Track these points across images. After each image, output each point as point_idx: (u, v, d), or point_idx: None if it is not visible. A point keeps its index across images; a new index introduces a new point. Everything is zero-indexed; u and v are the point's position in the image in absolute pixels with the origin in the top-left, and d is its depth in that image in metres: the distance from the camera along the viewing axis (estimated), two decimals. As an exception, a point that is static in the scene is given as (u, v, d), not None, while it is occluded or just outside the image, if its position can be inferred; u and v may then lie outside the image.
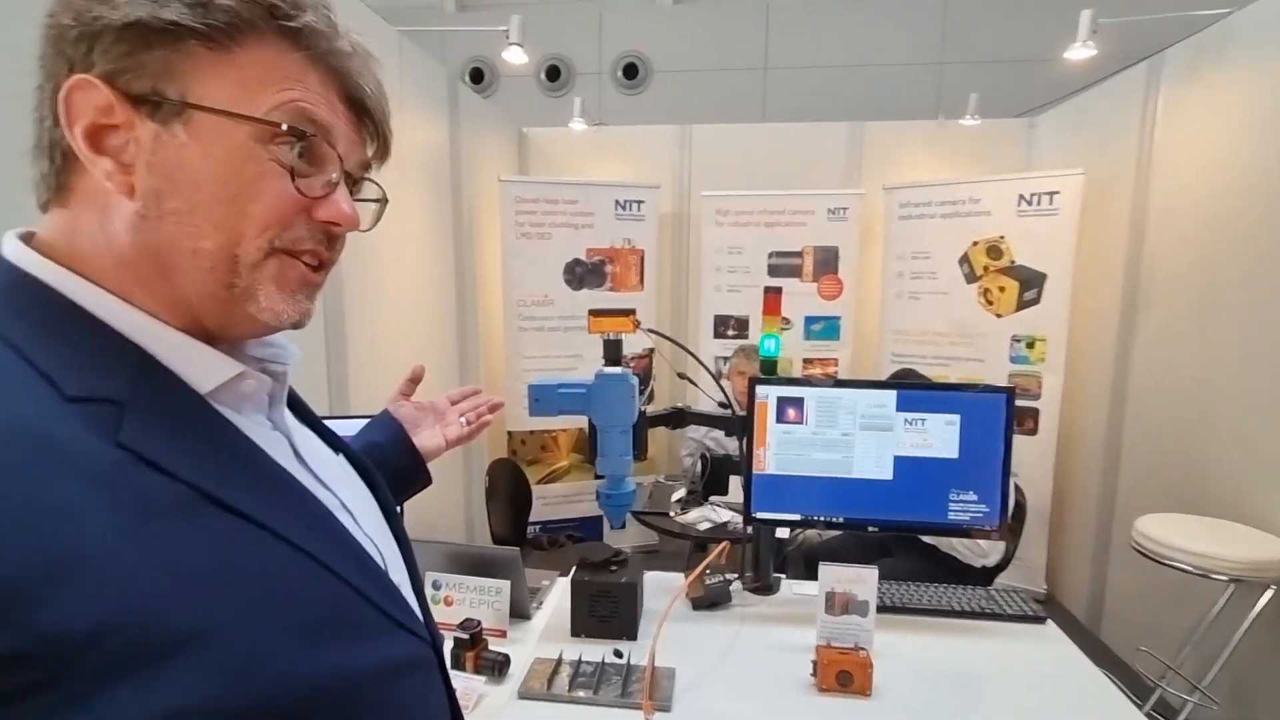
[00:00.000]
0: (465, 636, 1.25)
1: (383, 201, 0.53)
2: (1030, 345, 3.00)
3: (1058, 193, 2.86)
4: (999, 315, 3.05)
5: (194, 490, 0.38)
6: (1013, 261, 3.00)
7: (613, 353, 1.24)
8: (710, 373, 1.42)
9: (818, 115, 3.76)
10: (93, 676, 0.32)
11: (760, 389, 1.32)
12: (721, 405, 1.42)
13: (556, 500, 3.40)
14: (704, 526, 2.26)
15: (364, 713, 0.43)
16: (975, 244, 3.07)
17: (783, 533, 2.31)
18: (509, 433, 3.34)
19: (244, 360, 0.46)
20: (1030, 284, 2.97)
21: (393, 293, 2.38)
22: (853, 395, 1.30)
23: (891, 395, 1.29)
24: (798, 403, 1.31)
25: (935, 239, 3.17)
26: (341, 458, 0.59)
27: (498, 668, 1.22)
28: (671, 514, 2.36)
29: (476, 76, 5.39)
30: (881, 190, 3.32)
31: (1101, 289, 2.83)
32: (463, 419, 0.96)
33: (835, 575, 1.21)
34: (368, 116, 0.48)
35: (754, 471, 1.33)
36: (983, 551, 2.15)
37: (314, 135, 0.43)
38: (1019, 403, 3.03)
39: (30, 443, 0.34)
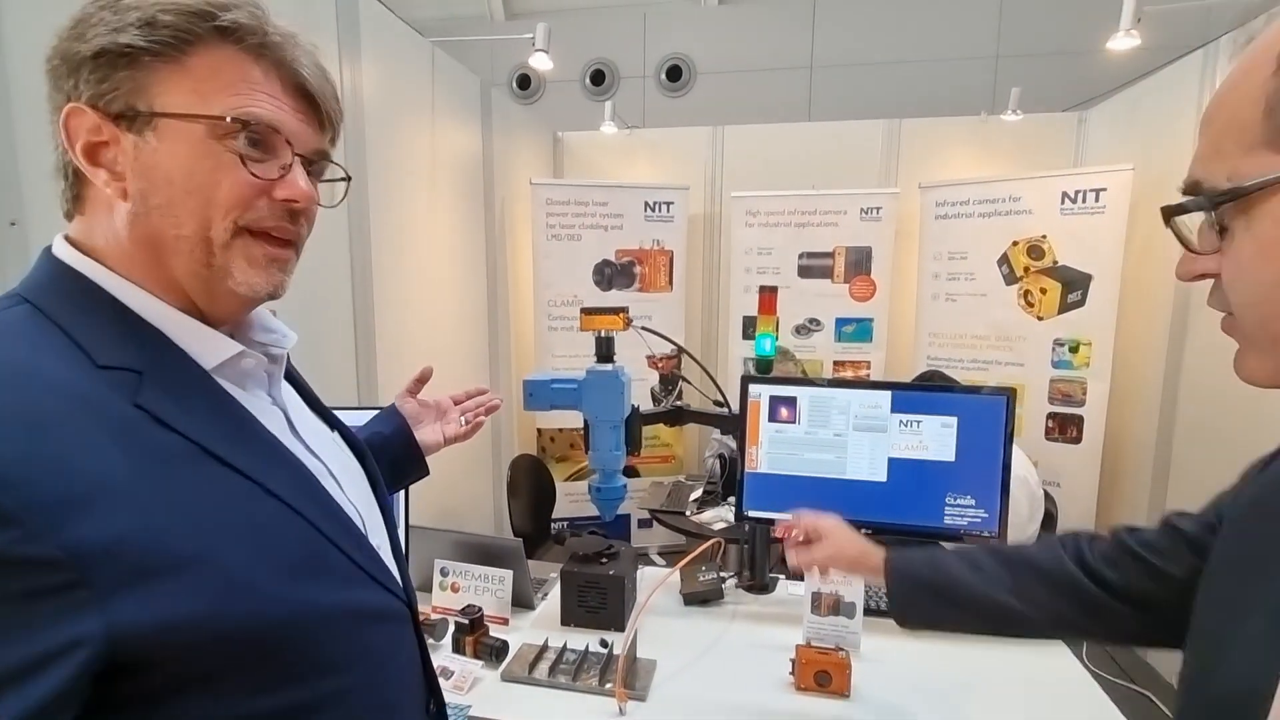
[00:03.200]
0: (466, 622, 1.30)
1: (346, 180, 0.61)
2: (1074, 349, 2.87)
3: (1104, 190, 2.72)
4: (1040, 318, 2.93)
5: (196, 446, 0.46)
6: (1055, 262, 2.87)
7: (604, 349, 1.27)
8: (703, 367, 1.43)
9: (865, 114, 3.68)
10: (106, 584, 0.38)
11: (754, 388, 1.33)
12: (717, 404, 1.42)
13: (584, 497, 3.43)
14: (718, 526, 2.26)
15: (334, 648, 0.50)
16: (1015, 244, 2.95)
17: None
18: (538, 430, 3.41)
19: (248, 344, 0.54)
20: (1074, 285, 2.84)
21: (424, 291, 2.47)
22: (846, 395, 1.29)
23: (886, 396, 1.27)
24: (790, 402, 1.31)
25: (973, 239, 3.07)
26: (336, 434, 0.66)
27: (495, 653, 1.26)
28: (688, 513, 2.37)
29: (524, 83, 5.52)
30: (917, 189, 3.23)
31: (1152, 291, 2.68)
32: (463, 418, 1.03)
33: (822, 576, 1.20)
34: (313, 101, 0.53)
35: (746, 470, 1.34)
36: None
37: (258, 125, 0.49)
38: (1061, 410, 2.91)
39: (68, 398, 0.42)
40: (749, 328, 3.45)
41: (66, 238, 0.51)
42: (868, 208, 3.24)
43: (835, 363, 3.38)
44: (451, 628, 1.31)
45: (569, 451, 3.45)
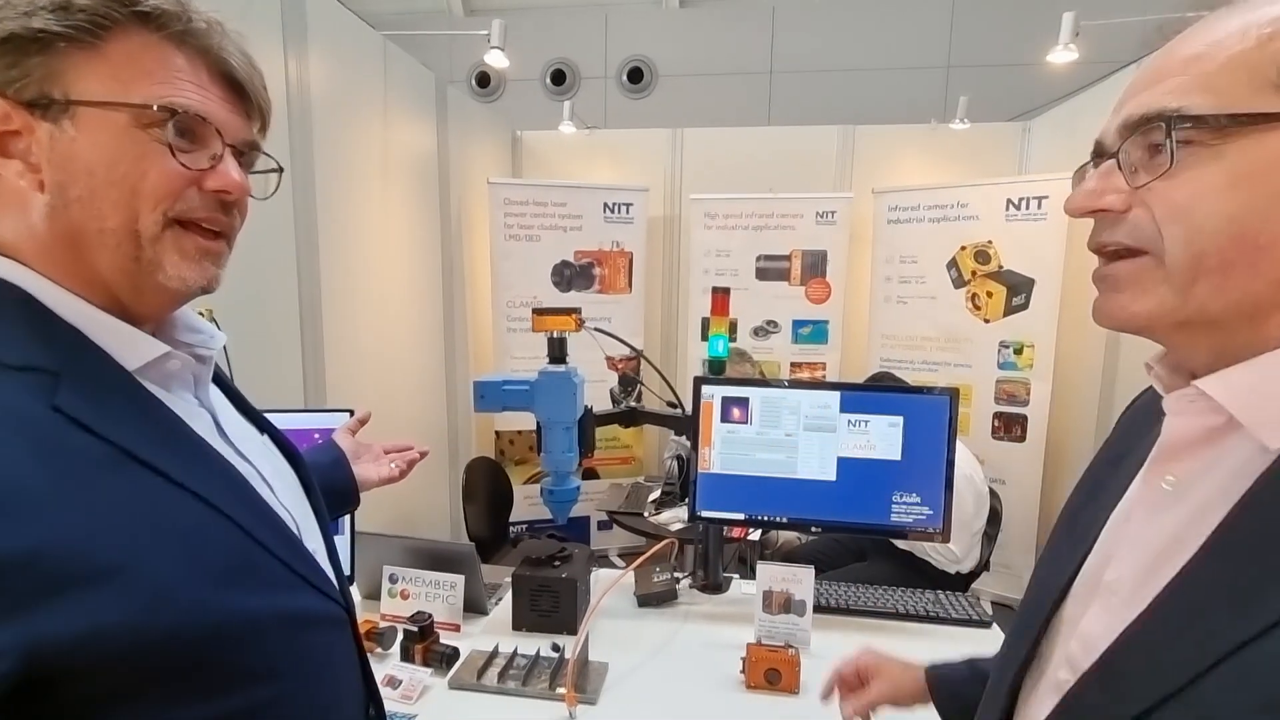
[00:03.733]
0: (415, 629, 1.26)
1: (279, 171, 0.58)
2: (1018, 351, 2.98)
3: (1046, 197, 2.83)
4: (987, 320, 3.03)
5: (118, 449, 0.44)
6: (1001, 266, 2.98)
7: (556, 350, 1.26)
8: (655, 368, 1.43)
9: (823, 119, 3.74)
10: (21, 596, 0.37)
11: (706, 388, 1.33)
12: (671, 405, 1.43)
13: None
14: (675, 526, 2.27)
15: (268, 653, 0.49)
16: (964, 248, 3.05)
17: (757, 534, 2.32)
18: (496, 432, 3.37)
19: (173, 344, 0.52)
20: (1018, 289, 2.95)
21: (376, 289, 2.41)
22: (797, 396, 1.30)
23: (835, 396, 1.29)
24: (743, 403, 1.32)
25: (924, 243, 3.15)
26: (266, 438, 0.64)
27: (445, 660, 1.24)
28: (646, 514, 2.37)
29: (483, 81, 5.45)
30: (871, 194, 3.31)
31: (1090, 294, 2.78)
32: (393, 465, 1.07)
33: (772, 574, 1.22)
34: (240, 90, 0.52)
35: (699, 470, 1.34)
36: (955, 557, 2.13)
37: (185, 113, 0.47)
38: (1006, 409, 3.01)
39: None
40: (707, 329, 3.47)
41: None
42: (823, 211, 3.30)
43: (792, 364, 3.43)
44: (400, 635, 1.28)
45: (528, 454, 3.41)
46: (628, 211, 3.36)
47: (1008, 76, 4.49)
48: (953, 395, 1.26)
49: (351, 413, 1.43)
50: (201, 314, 1.48)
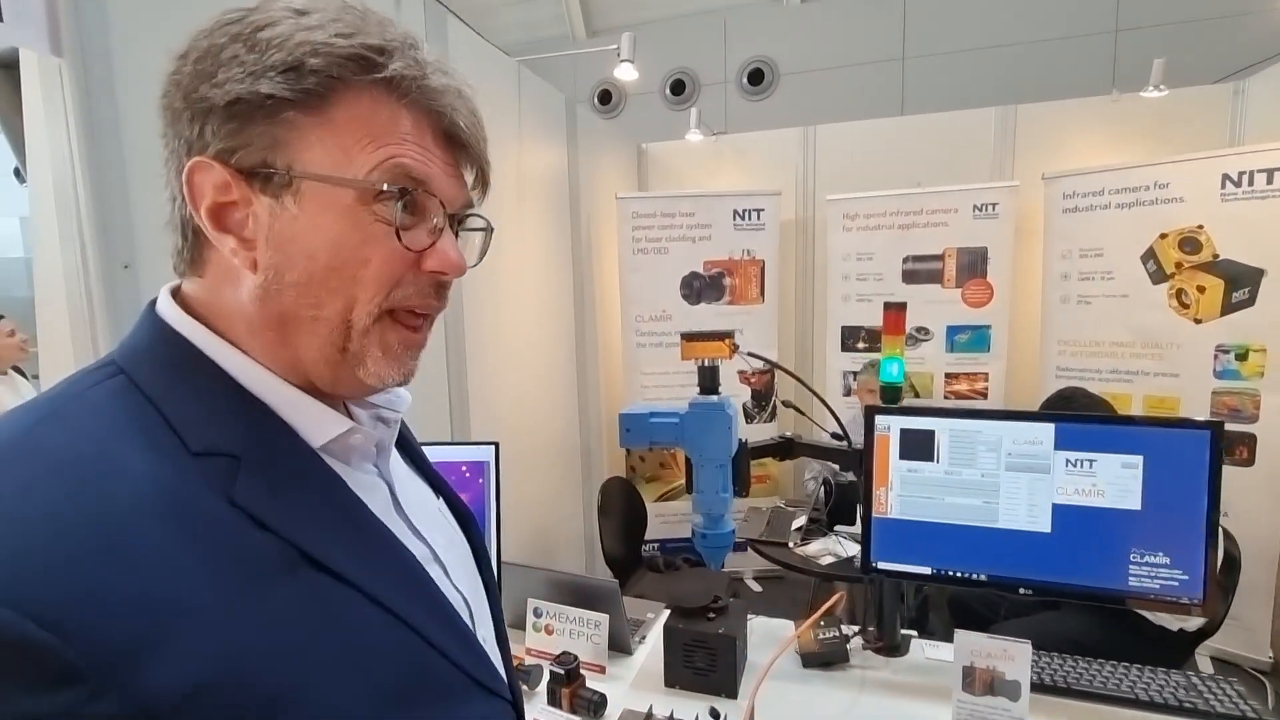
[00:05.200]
0: (561, 672, 1.21)
1: (488, 231, 0.52)
2: (1242, 357, 2.46)
3: (1277, 170, 2.32)
4: (1198, 321, 2.53)
5: (294, 549, 0.39)
6: (1215, 255, 2.48)
7: (708, 380, 1.14)
8: (820, 398, 1.26)
9: (965, 104, 3.38)
10: None
11: (880, 419, 1.15)
12: (835, 436, 1.26)
13: (675, 519, 3.32)
14: (826, 560, 2.06)
15: None
16: (1164, 236, 2.58)
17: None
18: (627, 450, 3.32)
19: (360, 404, 0.49)
20: (1240, 282, 2.44)
21: (513, 315, 2.44)
22: (997, 429, 1.09)
23: (1048, 430, 1.06)
24: (927, 436, 1.13)
25: (1111, 233, 2.71)
26: (441, 501, 0.60)
27: (594, 708, 1.17)
28: (791, 544, 2.19)
29: (605, 98, 5.54)
30: (1040, 180, 2.91)
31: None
32: None
33: (975, 646, 1.02)
34: (463, 151, 0.47)
35: (874, 514, 1.17)
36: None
37: (415, 189, 0.42)
38: (1230, 427, 2.50)
39: (153, 499, 0.35)
40: (849, 339, 3.22)
41: (174, 291, 0.45)
42: (982, 204, 2.95)
43: (947, 375, 3.09)
44: (546, 675, 1.22)
45: (659, 471, 3.34)
46: (758, 217, 3.20)
47: (1207, 33, 3.81)
48: (1216, 429, 0.99)
49: (496, 445, 1.41)
50: None
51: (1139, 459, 1.02)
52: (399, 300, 0.44)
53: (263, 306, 0.42)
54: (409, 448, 0.60)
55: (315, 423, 0.45)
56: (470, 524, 0.61)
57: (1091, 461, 1.04)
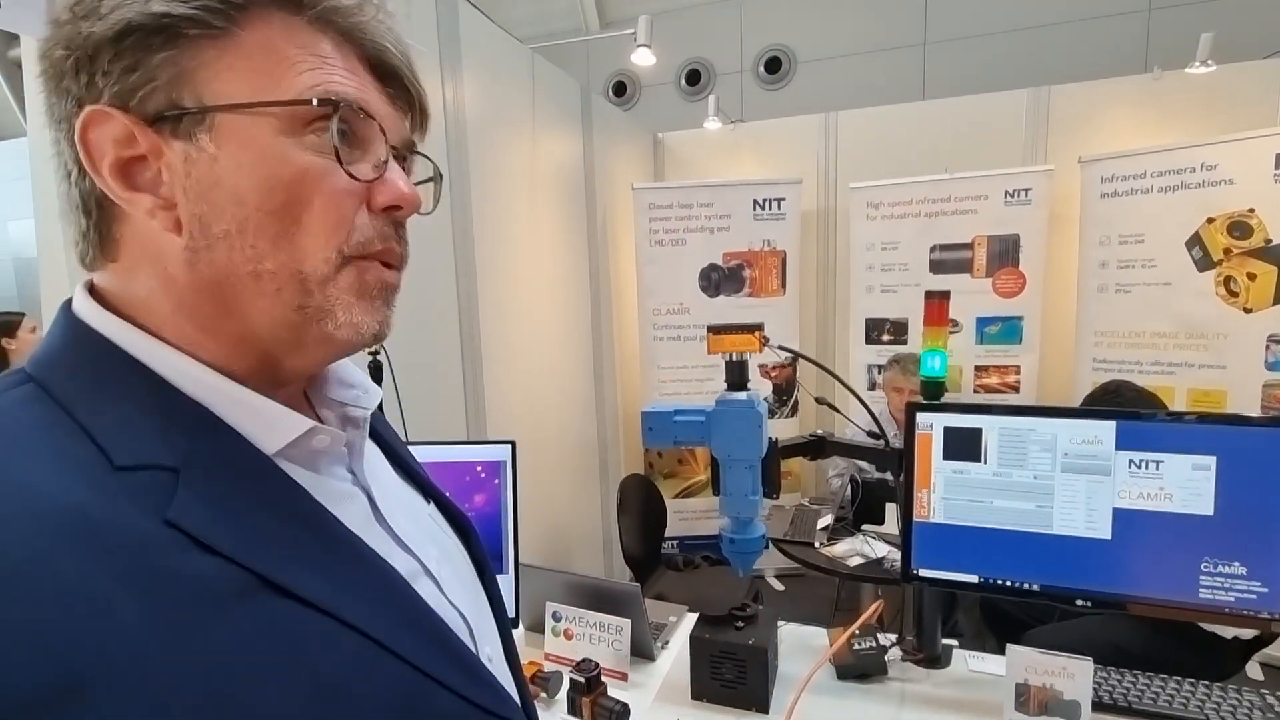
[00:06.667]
0: (581, 680, 1.15)
1: (437, 179, 0.47)
2: (1297, 347, 2.33)
3: (1338, 148, 2.19)
4: (1248, 310, 2.41)
5: (248, 573, 0.33)
6: (1268, 240, 2.35)
7: (736, 375, 1.07)
8: (855, 394, 1.18)
9: (988, 87, 3.25)
10: None
11: (922, 417, 1.07)
12: (871, 435, 1.18)
13: (694, 515, 3.25)
14: (854, 562, 1.99)
15: None
16: (1211, 221, 2.45)
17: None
18: (645, 446, 3.25)
19: (322, 402, 0.44)
20: (1295, 269, 2.31)
21: (528, 310, 2.38)
22: (1051, 426, 1.00)
23: (1109, 428, 0.98)
24: (973, 435, 1.04)
25: (1152, 218, 2.58)
26: (432, 506, 0.53)
27: (615, 717, 1.11)
28: (817, 544, 2.11)
29: (620, 90, 5.47)
30: (1076, 164, 2.78)
31: None
32: None
33: (1030, 662, 0.94)
34: (395, 81, 0.41)
35: (915, 519, 1.08)
36: (1236, 619, 1.65)
37: (349, 104, 0.37)
38: None
39: (63, 525, 0.29)
40: (874, 331, 3.12)
41: (90, 288, 0.39)
42: (1014, 190, 2.83)
43: (977, 368, 2.99)
44: (566, 684, 1.17)
45: (677, 467, 3.27)
46: (779, 207, 3.10)
47: (1253, 6, 3.63)
48: (1299, 428, 0.90)
49: (513, 444, 1.35)
50: (373, 352, 1.42)
51: (1212, 460, 0.93)
52: (358, 246, 0.38)
53: (193, 271, 0.36)
54: (393, 450, 0.53)
55: (267, 425, 0.38)
56: (469, 532, 0.55)
57: (1158, 463, 0.95)
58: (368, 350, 1.49)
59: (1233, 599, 0.93)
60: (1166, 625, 1.70)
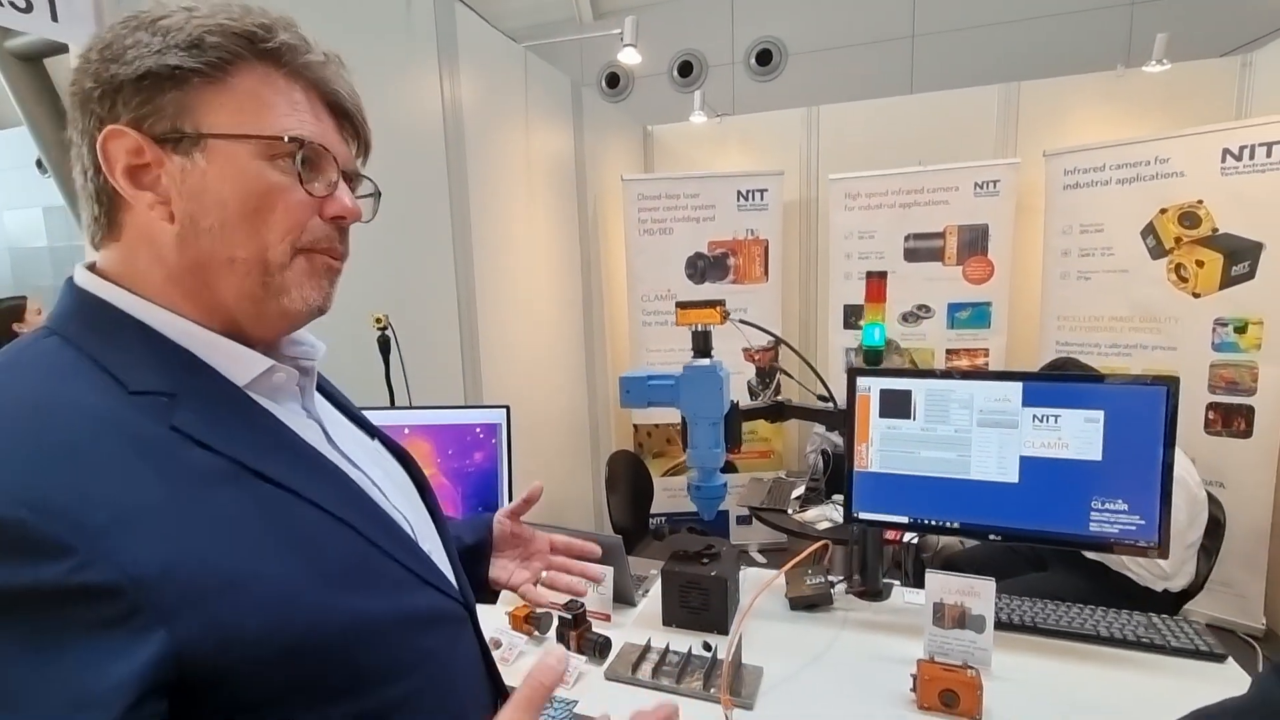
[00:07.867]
0: (569, 616, 1.31)
1: (376, 195, 0.60)
2: (1241, 329, 2.50)
3: (1277, 143, 2.34)
4: (1196, 295, 2.57)
5: (234, 463, 0.45)
6: (1215, 230, 2.51)
7: (701, 344, 1.23)
8: (803, 358, 1.35)
9: (976, 81, 3.38)
10: (166, 606, 0.38)
11: (861, 381, 1.24)
12: (821, 398, 1.34)
13: (681, 493, 3.41)
14: (823, 525, 2.16)
15: (394, 654, 0.49)
16: (1164, 212, 2.61)
17: (913, 538, 2.14)
18: (635, 425, 3.42)
19: (278, 358, 0.53)
20: (1240, 256, 2.47)
21: (523, 291, 2.53)
22: (968, 388, 1.17)
23: (1016, 388, 1.14)
24: (904, 396, 1.21)
25: (1111, 209, 2.74)
26: (377, 443, 0.66)
27: (598, 649, 1.26)
28: (790, 511, 2.28)
29: (613, 81, 5.56)
30: (1041, 157, 2.93)
31: (1344, 258, 2.28)
32: (544, 573, 0.83)
33: (945, 585, 1.11)
34: (347, 119, 0.54)
35: (856, 468, 1.25)
36: (1164, 572, 1.83)
37: (310, 144, 0.49)
38: (1225, 399, 2.55)
39: (103, 425, 0.41)
40: (851, 317, 3.28)
41: (89, 266, 0.50)
42: (983, 181, 2.99)
43: (948, 351, 3.15)
44: (556, 621, 1.32)
45: (665, 447, 3.44)
46: (762, 198, 3.26)
47: (1214, 6, 3.77)
48: (1171, 386, 1.06)
49: (508, 409, 1.51)
50: (379, 320, 1.59)
51: (1100, 413, 1.09)
52: (309, 243, 0.50)
53: (181, 253, 0.47)
54: (339, 403, 0.64)
55: (237, 363, 0.49)
56: (409, 460, 0.67)
57: (1056, 417, 1.12)
58: (377, 326, 1.65)
59: (1116, 530, 1.10)
60: (1102, 578, 1.88)
